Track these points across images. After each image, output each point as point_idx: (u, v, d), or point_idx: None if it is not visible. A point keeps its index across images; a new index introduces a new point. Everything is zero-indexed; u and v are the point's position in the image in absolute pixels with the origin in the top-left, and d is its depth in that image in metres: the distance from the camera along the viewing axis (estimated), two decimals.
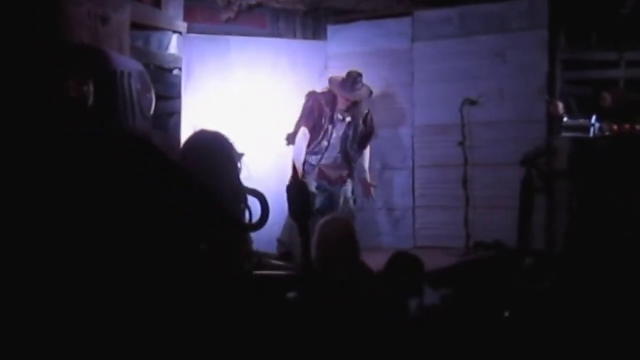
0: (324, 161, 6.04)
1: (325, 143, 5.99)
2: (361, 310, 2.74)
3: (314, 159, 6.01)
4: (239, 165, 2.90)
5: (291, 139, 6.07)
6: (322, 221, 3.28)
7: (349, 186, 6.22)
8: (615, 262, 4.51)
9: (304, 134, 5.96)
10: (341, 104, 6.01)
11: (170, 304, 2.09)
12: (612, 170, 5.59)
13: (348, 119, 6.04)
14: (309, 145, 5.98)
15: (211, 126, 3.08)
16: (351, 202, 6.23)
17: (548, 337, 3.19)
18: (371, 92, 6.27)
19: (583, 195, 5.82)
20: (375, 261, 3.83)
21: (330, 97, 6.02)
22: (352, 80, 6.07)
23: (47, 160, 2.01)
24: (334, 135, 6.01)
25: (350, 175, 6.24)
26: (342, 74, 6.85)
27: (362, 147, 6.26)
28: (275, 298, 2.55)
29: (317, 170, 6.04)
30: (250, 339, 2.30)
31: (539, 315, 3.38)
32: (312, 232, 3.24)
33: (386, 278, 3.48)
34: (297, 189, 2.57)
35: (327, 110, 5.96)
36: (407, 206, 7.08)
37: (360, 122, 6.14)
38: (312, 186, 5.81)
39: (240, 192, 2.84)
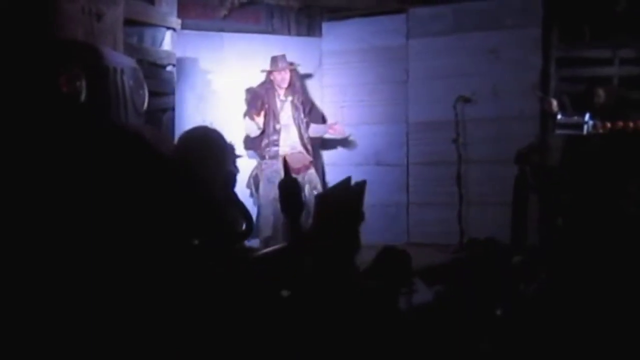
0: (283, 148, 6.25)
1: (277, 125, 6.28)
2: (352, 304, 2.75)
3: (273, 150, 6.24)
4: (232, 160, 2.92)
5: (248, 143, 6.34)
6: (320, 194, 3.27)
7: (312, 175, 6.39)
8: (607, 258, 4.51)
9: (256, 127, 6.23)
10: (279, 85, 6.32)
11: (162, 298, 2.09)
12: (605, 168, 5.60)
13: (290, 99, 6.36)
14: (265, 137, 6.26)
15: (205, 122, 3.09)
16: (319, 188, 6.35)
17: (538, 335, 3.20)
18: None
19: (576, 193, 5.83)
20: (369, 257, 3.83)
21: (267, 86, 6.36)
22: (278, 58, 6.36)
23: (39, 156, 2.01)
24: (283, 115, 6.32)
25: (312, 163, 6.47)
26: (337, 70, 6.96)
27: (311, 122, 6.54)
28: (267, 292, 2.56)
29: (281, 159, 6.15)
30: (241, 332, 2.31)
31: (528, 314, 3.39)
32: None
33: (374, 272, 3.48)
34: (288, 184, 2.58)
35: (268, 97, 6.29)
36: (401, 203, 7.09)
37: (300, 101, 6.45)
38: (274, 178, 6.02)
39: (234, 194, 2.86)
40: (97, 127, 2.45)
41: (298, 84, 6.50)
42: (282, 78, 6.31)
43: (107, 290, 1.99)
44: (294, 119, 6.36)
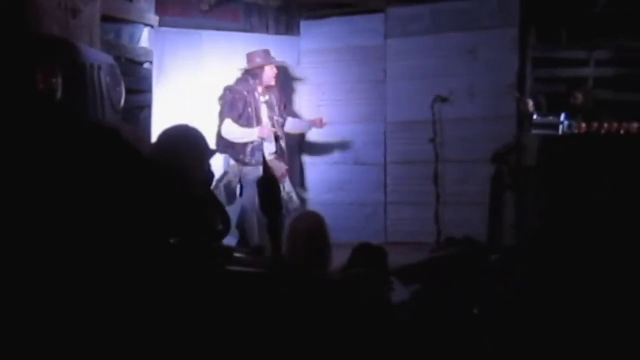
0: (266, 154, 5.85)
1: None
2: (332, 304, 2.75)
3: (258, 155, 5.86)
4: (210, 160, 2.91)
5: (223, 147, 5.91)
6: (292, 216, 3.29)
7: (288, 183, 6.16)
8: (583, 257, 4.56)
9: (232, 129, 5.93)
10: (265, 83, 6.05)
11: (139, 299, 2.08)
12: (580, 168, 5.66)
13: (267, 98, 6.10)
14: (249, 142, 5.94)
15: (182, 120, 3.08)
16: (294, 197, 6.16)
17: (515, 334, 3.22)
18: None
19: (552, 192, 5.88)
20: (346, 256, 3.84)
21: (247, 85, 6.05)
22: (265, 52, 6.12)
23: (12, 155, 1.98)
24: (264, 118, 6.02)
25: (288, 171, 6.24)
26: (315, 69, 6.94)
27: (285, 121, 6.29)
28: (247, 293, 2.55)
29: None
30: (222, 334, 2.30)
31: (506, 312, 3.41)
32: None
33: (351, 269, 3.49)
34: (267, 183, 2.58)
35: (250, 97, 5.99)
36: (379, 202, 7.11)
37: (276, 99, 6.20)
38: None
39: (211, 193, 2.86)
40: (74, 124, 2.42)
41: (275, 84, 6.23)
42: (273, 75, 6.07)
43: (84, 289, 1.97)
44: (271, 120, 6.09)
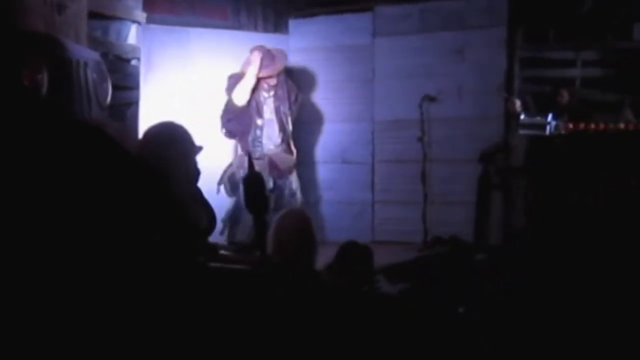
0: (267, 145, 5.94)
1: (260, 121, 5.93)
2: (319, 302, 2.74)
3: (257, 149, 5.89)
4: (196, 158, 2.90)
5: (233, 126, 5.95)
6: (278, 214, 3.28)
7: (293, 178, 6.13)
8: (570, 257, 4.58)
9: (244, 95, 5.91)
10: (266, 82, 5.99)
11: (122, 297, 2.06)
12: (567, 168, 5.68)
13: (272, 93, 6.03)
14: (250, 132, 5.93)
15: (170, 117, 3.06)
16: (298, 194, 6.14)
17: (507, 334, 3.23)
18: (285, 56, 6.28)
19: (539, 192, 5.90)
20: (333, 255, 3.84)
21: None
22: (269, 54, 6.05)
23: None
24: (266, 110, 5.98)
25: (296, 166, 6.21)
26: (302, 67, 6.92)
27: (292, 114, 6.25)
28: (231, 291, 2.54)
29: (267, 159, 5.88)
30: (205, 331, 2.28)
31: (492, 312, 3.42)
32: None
33: (336, 268, 3.48)
34: (253, 180, 2.57)
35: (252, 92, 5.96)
36: (366, 201, 7.11)
37: (286, 93, 6.15)
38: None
39: (197, 190, 2.84)
40: (59, 121, 2.40)
41: (282, 79, 6.16)
42: (270, 79, 6.00)
43: (66, 287, 1.95)
44: (277, 113, 6.02)
